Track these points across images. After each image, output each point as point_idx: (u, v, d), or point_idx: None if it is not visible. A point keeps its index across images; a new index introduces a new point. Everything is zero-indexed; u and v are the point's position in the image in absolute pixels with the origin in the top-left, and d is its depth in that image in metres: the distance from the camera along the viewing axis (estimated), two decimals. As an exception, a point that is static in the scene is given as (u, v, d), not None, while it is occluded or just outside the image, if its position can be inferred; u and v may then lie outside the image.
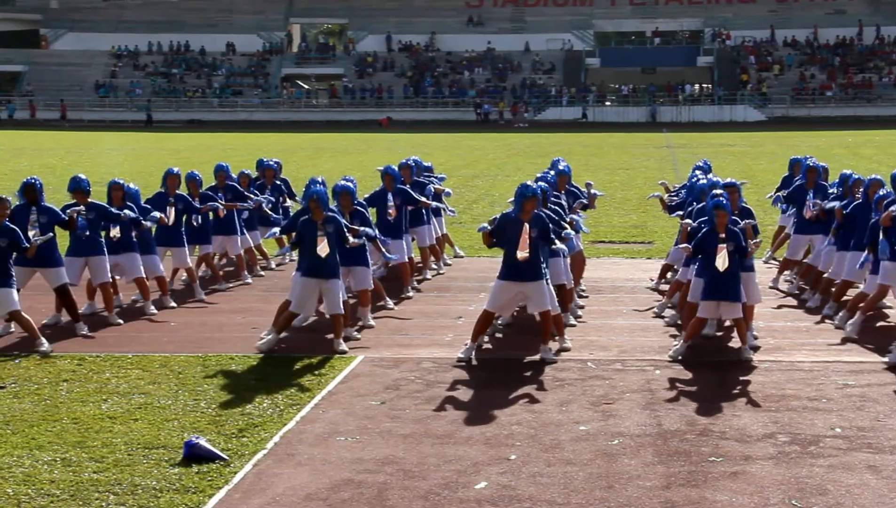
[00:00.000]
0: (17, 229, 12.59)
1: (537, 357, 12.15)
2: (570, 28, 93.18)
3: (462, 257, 19.45)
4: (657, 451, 9.10)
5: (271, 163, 18.79)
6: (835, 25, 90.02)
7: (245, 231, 17.20)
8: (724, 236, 11.93)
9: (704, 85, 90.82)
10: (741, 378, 11.37)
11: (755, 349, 12.41)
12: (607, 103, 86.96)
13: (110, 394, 10.80)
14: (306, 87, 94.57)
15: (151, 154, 45.22)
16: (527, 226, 11.80)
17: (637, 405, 10.40)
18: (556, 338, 12.53)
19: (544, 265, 12.17)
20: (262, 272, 17.81)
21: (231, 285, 16.86)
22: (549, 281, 12.21)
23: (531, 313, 12.70)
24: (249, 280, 17.07)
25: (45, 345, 12.55)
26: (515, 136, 63.88)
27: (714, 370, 11.72)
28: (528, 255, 11.78)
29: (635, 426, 9.79)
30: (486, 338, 12.95)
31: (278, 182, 18.64)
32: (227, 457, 8.90)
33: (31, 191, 13.38)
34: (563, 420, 9.95)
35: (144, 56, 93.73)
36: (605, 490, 8.24)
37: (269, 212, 17.35)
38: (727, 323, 13.18)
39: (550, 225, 12.12)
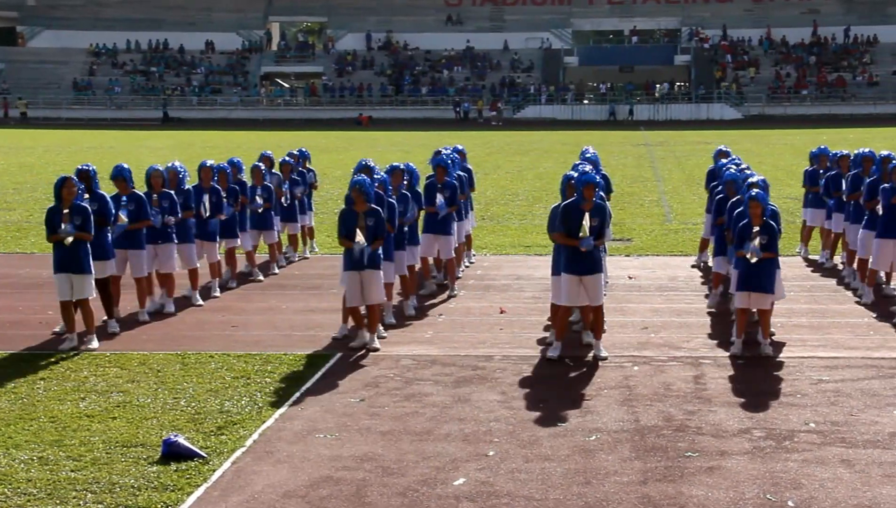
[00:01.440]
0: (87, 206, 12.63)
1: (550, 355, 12.13)
2: (548, 27, 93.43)
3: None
4: (634, 447, 9.17)
5: (287, 159, 18.87)
6: (810, 25, 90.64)
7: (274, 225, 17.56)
8: (757, 228, 12.01)
9: (682, 84, 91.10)
10: (717, 374, 11.45)
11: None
12: (585, 102, 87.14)
13: (88, 392, 10.79)
14: (286, 85, 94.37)
15: (131, 152, 45.12)
16: (588, 215, 11.81)
17: (615, 402, 10.46)
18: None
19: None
20: (280, 267, 17.97)
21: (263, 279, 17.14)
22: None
23: (584, 306, 12.59)
24: (277, 271, 17.53)
25: (95, 342, 12.68)
26: (494, 134, 63.92)
27: (690, 366, 11.78)
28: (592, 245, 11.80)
29: (613, 422, 9.84)
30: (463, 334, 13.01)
31: (295, 177, 18.76)
32: (205, 455, 8.92)
33: (84, 178, 13.25)
34: (541, 417, 10.00)
35: (123, 54, 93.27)
36: (582, 486, 8.29)
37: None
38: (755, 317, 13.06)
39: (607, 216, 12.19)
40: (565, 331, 12.42)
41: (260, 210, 17.02)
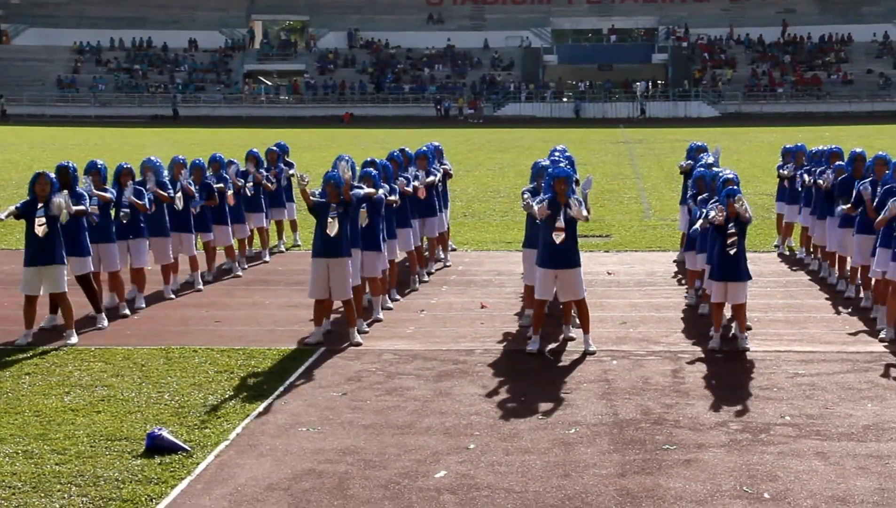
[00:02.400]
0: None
1: (532, 347, 12.26)
2: (528, 25, 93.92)
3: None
4: (613, 440, 9.27)
5: (273, 148, 19.28)
6: (787, 24, 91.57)
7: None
8: (732, 223, 12.16)
9: (660, 81, 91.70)
10: (695, 368, 11.57)
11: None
12: (564, 99, 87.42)
13: (73, 387, 10.83)
14: (268, 83, 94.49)
15: (116, 149, 44.96)
16: (562, 209, 11.91)
17: (594, 395, 10.57)
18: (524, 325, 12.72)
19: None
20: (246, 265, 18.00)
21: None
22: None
23: (563, 301, 12.72)
24: (246, 266, 17.75)
25: (74, 338, 12.71)
26: (475, 131, 64.00)
27: (668, 360, 11.90)
28: (564, 236, 11.92)
29: (592, 415, 9.95)
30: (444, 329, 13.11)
31: (283, 165, 19.23)
32: (189, 448, 8.98)
33: (64, 175, 13.20)
34: (522, 410, 10.10)
35: (107, 52, 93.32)
36: (561, 478, 8.38)
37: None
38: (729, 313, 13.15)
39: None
40: (542, 324, 12.50)
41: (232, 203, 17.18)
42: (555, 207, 11.95)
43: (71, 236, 13.01)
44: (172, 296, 15.43)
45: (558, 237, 11.91)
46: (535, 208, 12.00)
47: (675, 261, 18.34)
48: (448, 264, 18.14)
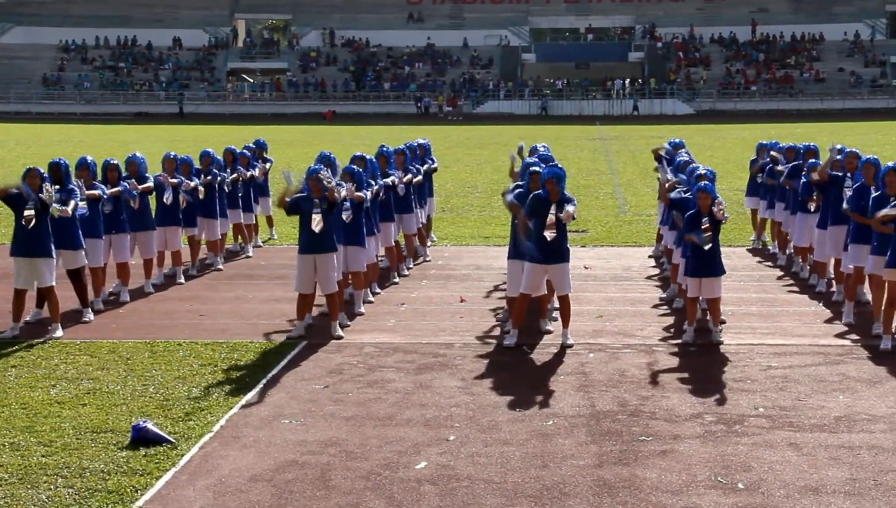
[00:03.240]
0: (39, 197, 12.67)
1: (506, 340, 12.41)
2: (506, 24, 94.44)
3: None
4: (590, 431, 9.38)
5: (250, 146, 19.56)
6: (759, 24, 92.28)
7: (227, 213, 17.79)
8: (706, 218, 12.30)
9: (638, 80, 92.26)
10: (670, 361, 11.72)
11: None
12: (547, 96, 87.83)
13: (59, 380, 10.91)
14: (251, 80, 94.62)
15: (100, 146, 44.90)
16: (554, 207, 12.06)
17: (571, 387, 10.70)
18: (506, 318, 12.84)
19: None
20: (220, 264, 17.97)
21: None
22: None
23: (543, 295, 12.84)
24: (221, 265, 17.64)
25: (59, 331, 12.78)
26: (455, 128, 64.10)
27: (644, 353, 12.05)
28: (555, 234, 12.07)
29: (569, 407, 10.07)
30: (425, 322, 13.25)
31: (263, 162, 19.56)
32: (174, 440, 9.06)
33: (56, 171, 13.29)
34: (500, 402, 10.21)
35: (92, 50, 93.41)
36: (540, 469, 8.49)
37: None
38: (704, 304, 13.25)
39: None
40: (523, 319, 12.64)
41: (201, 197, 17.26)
42: (546, 205, 12.11)
43: (63, 230, 13.08)
44: (152, 290, 15.52)
45: (550, 235, 12.07)
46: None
47: (650, 256, 18.53)
48: (428, 258, 18.29)
